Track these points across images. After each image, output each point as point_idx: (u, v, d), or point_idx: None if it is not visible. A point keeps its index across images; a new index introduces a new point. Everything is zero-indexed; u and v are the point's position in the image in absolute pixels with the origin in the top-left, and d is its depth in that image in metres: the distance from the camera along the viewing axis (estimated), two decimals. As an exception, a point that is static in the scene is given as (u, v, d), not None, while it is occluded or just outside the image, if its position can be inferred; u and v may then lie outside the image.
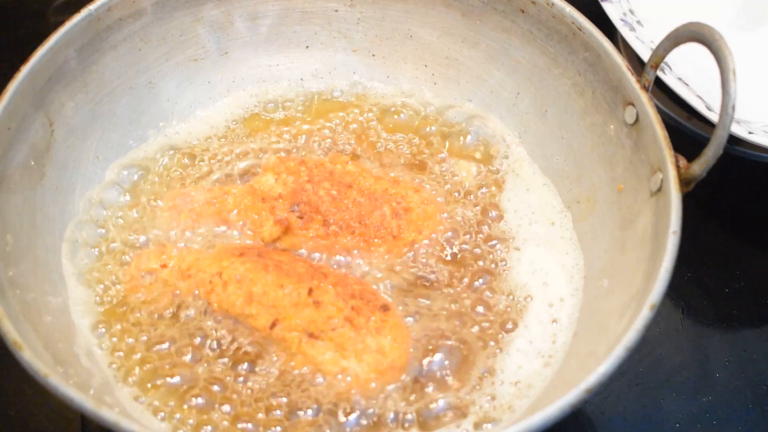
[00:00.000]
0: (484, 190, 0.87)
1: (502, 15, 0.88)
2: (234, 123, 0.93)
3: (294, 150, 0.90)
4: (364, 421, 0.71)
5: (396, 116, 0.93)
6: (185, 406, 0.72)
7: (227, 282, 0.76)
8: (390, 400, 0.72)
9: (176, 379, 0.74)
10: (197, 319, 0.77)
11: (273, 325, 0.73)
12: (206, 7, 0.90)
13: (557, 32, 0.84)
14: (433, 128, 0.92)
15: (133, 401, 0.72)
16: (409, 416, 0.72)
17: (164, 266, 0.79)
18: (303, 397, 0.72)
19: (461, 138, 0.91)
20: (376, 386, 0.72)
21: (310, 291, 0.74)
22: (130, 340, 0.76)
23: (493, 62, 0.91)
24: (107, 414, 0.59)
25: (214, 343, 0.76)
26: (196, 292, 0.77)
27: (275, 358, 0.74)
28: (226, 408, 0.72)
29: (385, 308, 0.75)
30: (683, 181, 0.71)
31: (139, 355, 0.75)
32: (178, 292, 0.78)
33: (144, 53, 0.88)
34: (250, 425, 0.71)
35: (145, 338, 0.76)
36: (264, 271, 0.76)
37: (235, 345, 0.75)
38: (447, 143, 0.91)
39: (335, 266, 0.81)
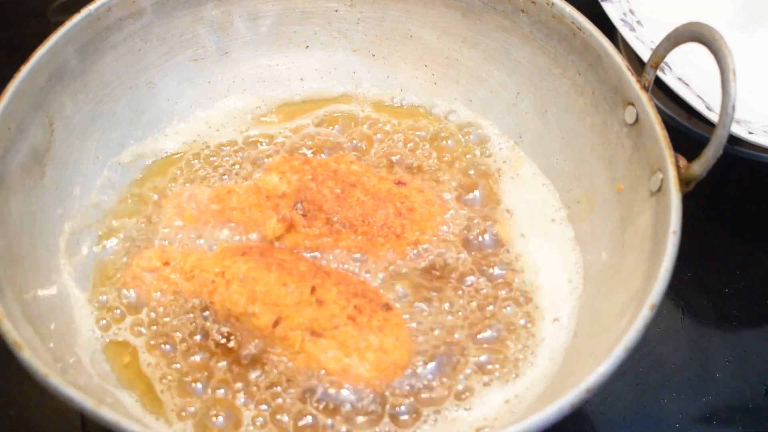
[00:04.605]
0: (485, 190, 0.87)
1: (502, 15, 0.88)
2: (234, 123, 0.93)
3: (295, 148, 0.90)
4: (365, 419, 0.71)
5: (396, 116, 0.94)
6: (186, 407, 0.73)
7: (230, 281, 0.76)
8: (391, 398, 0.72)
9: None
10: (199, 318, 0.77)
11: (276, 324, 0.73)
12: (206, 7, 0.90)
13: (557, 32, 0.84)
14: (433, 127, 0.92)
15: (133, 401, 0.72)
16: (409, 415, 0.72)
17: (167, 264, 0.79)
18: (305, 395, 0.72)
19: (461, 138, 0.92)
20: (377, 384, 0.72)
21: (313, 289, 0.74)
22: (131, 338, 0.76)
23: (493, 62, 0.91)
24: (107, 414, 0.59)
25: (216, 343, 0.75)
26: (199, 291, 0.77)
27: (277, 357, 0.74)
28: (228, 407, 0.72)
29: (387, 307, 0.75)
30: (683, 181, 0.71)
31: (139, 356, 0.75)
32: (180, 291, 0.78)
33: (144, 53, 0.88)
34: (251, 424, 0.71)
35: (146, 338, 0.76)
36: (266, 270, 0.76)
37: (238, 345, 0.75)
38: (447, 143, 0.91)
39: (337, 265, 0.80)
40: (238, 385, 0.73)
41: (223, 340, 0.75)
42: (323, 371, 0.73)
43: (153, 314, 0.77)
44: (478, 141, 0.91)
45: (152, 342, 0.76)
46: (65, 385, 0.60)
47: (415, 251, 0.81)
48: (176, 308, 0.77)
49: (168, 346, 0.76)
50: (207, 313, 0.76)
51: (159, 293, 0.78)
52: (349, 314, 0.74)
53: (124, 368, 0.75)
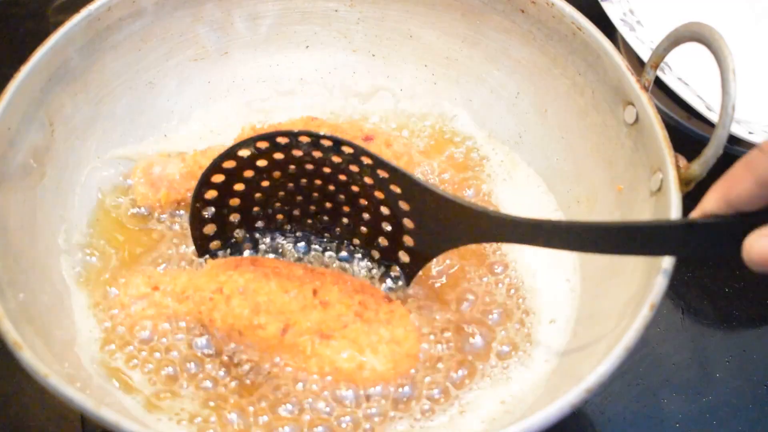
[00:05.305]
0: (480, 191, 0.87)
1: (502, 15, 0.88)
2: (235, 123, 0.93)
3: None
4: (382, 413, 0.71)
5: (395, 116, 0.94)
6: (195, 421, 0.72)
7: (230, 296, 0.74)
8: (383, 402, 0.72)
9: (184, 388, 0.73)
10: (200, 338, 0.75)
11: (284, 332, 0.72)
12: (206, 7, 0.90)
13: (557, 32, 0.84)
14: (432, 127, 0.92)
15: (134, 402, 0.72)
16: (408, 416, 0.72)
17: (156, 289, 0.77)
18: (323, 399, 0.72)
19: (460, 138, 0.92)
20: (394, 376, 0.72)
21: (315, 292, 0.74)
22: (128, 371, 0.75)
23: (493, 62, 0.91)
24: (107, 414, 0.59)
25: (220, 362, 0.74)
26: (196, 311, 0.75)
27: (290, 369, 0.73)
28: (239, 419, 0.72)
29: (388, 299, 0.76)
30: (683, 181, 0.71)
31: (141, 368, 0.75)
32: (175, 315, 0.76)
33: (144, 53, 0.88)
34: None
35: (143, 369, 0.75)
36: (265, 280, 0.75)
37: (246, 359, 0.74)
38: (445, 143, 0.91)
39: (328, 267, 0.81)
40: (250, 397, 0.72)
41: (229, 358, 0.74)
42: (338, 372, 0.72)
43: (151, 339, 0.75)
44: (476, 141, 0.91)
45: (151, 372, 0.74)
46: (65, 385, 0.60)
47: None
48: (172, 333, 0.76)
49: (170, 374, 0.74)
50: (208, 332, 0.75)
51: (153, 321, 0.76)
52: (355, 311, 0.73)
53: (127, 372, 0.74)
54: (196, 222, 0.78)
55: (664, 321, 0.89)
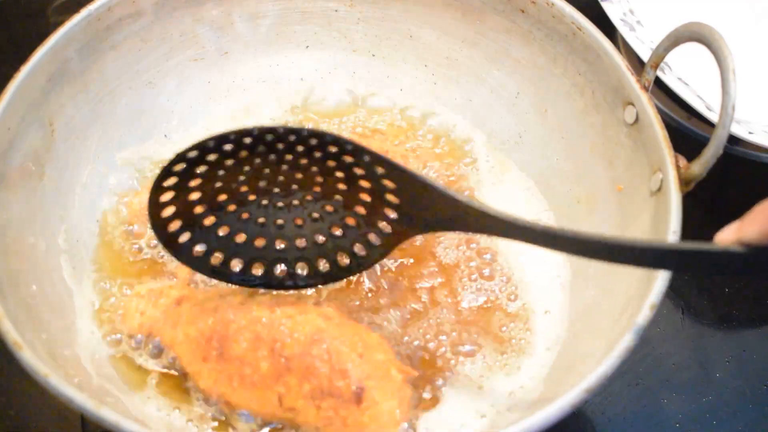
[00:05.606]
0: (477, 192, 0.87)
1: (502, 15, 0.88)
2: (234, 123, 0.93)
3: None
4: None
5: (396, 116, 0.94)
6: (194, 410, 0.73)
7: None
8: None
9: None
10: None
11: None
12: (206, 7, 0.90)
13: (557, 32, 0.84)
14: (429, 125, 0.92)
15: (135, 403, 0.72)
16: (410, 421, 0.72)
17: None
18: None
19: (459, 137, 0.92)
20: None
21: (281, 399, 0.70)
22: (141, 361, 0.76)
23: (493, 62, 0.91)
24: (107, 414, 0.59)
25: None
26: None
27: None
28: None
29: (358, 398, 0.68)
30: (683, 181, 0.71)
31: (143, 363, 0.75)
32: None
33: (144, 53, 0.88)
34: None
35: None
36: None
37: None
38: (444, 141, 0.91)
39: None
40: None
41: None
42: None
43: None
44: (475, 141, 0.91)
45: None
46: (65, 385, 0.60)
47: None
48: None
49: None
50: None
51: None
52: (323, 421, 0.69)
53: (127, 374, 0.75)
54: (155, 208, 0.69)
55: (664, 321, 0.89)
